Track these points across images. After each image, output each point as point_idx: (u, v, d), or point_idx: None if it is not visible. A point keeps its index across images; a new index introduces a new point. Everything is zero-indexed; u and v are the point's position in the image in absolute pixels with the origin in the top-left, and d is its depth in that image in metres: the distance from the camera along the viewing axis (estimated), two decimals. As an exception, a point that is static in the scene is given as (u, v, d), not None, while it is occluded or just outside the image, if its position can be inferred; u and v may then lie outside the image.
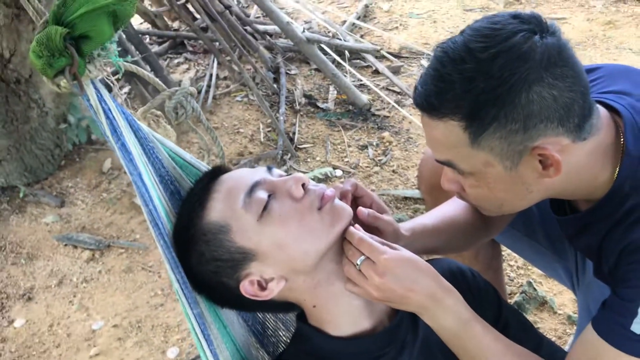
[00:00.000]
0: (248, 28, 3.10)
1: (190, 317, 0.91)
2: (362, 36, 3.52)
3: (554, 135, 0.81)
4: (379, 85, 3.02)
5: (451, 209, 1.21)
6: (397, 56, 3.32)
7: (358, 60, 3.22)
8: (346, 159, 2.51)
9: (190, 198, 0.96)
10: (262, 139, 2.65)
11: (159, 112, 1.14)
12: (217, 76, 3.08)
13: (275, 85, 2.99)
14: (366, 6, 3.83)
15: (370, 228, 0.98)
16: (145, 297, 1.90)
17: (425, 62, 3.25)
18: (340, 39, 3.13)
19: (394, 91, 3.00)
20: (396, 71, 3.15)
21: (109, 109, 0.94)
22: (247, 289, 0.91)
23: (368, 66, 3.21)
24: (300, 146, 2.60)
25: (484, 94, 0.78)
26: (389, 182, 2.37)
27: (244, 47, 3.01)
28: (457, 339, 0.91)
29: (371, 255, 0.87)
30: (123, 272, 1.99)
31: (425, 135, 0.91)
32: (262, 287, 0.91)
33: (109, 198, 2.32)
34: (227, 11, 2.97)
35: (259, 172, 0.95)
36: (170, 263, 0.91)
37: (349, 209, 0.92)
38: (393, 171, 2.43)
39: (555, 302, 1.84)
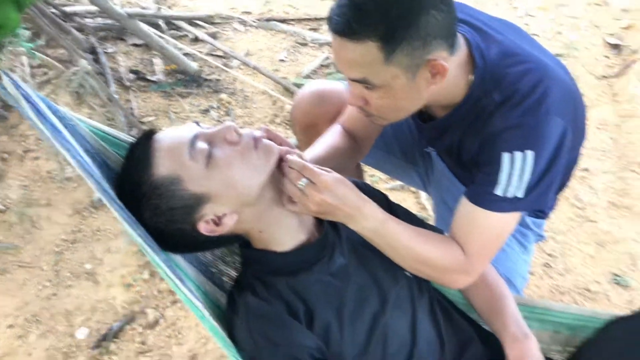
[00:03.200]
0: (55, 11, 2.94)
1: (160, 263, 1.00)
2: (169, 7, 3.53)
3: (441, 50, 1.05)
4: (202, 52, 3.10)
5: (331, 139, 1.42)
6: (211, 23, 3.41)
7: (174, 31, 3.24)
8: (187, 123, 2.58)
9: (132, 160, 1.04)
10: (98, 120, 2.60)
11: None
12: (30, 65, 2.88)
13: (97, 66, 2.90)
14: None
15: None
16: (33, 292, 1.85)
17: (238, 25, 3.39)
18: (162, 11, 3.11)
19: (217, 55, 3.11)
20: (214, 36, 3.25)
21: (28, 95, 0.97)
22: (204, 227, 1.03)
23: (185, 35, 3.26)
24: (143, 120, 2.61)
25: (396, 18, 0.98)
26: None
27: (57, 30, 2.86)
28: (378, 235, 1.13)
29: (312, 177, 1.05)
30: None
31: (338, 58, 1.07)
32: (217, 224, 1.04)
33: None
34: (29, -5, 2.78)
35: (192, 127, 1.06)
36: (128, 222, 0.99)
37: (276, 145, 1.09)
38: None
39: (403, 208, 2.20)
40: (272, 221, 1.10)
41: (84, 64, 1.31)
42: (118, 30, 3.17)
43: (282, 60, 3.11)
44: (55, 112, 1.03)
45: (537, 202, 1.17)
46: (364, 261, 1.18)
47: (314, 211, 1.07)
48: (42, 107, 1.00)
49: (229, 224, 1.05)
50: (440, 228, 1.36)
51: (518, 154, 1.11)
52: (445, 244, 1.20)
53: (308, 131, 1.63)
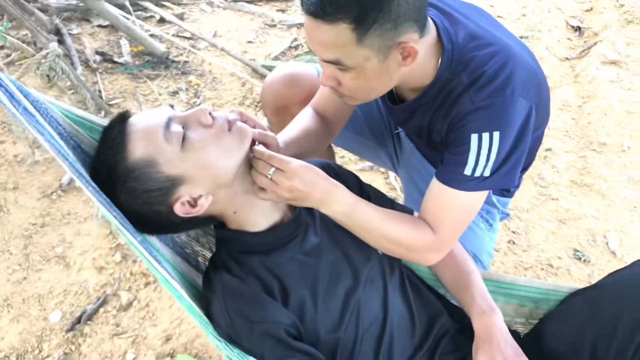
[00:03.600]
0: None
1: (137, 245, 1.01)
2: (134, -13, 3.47)
3: (412, 32, 1.07)
4: (169, 33, 3.07)
5: (304, 121, 1.44)
6: (177, 3, 3.37)
7: (140, 12, 3.20)
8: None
9: (107, 143, 1.04)
10: (68, 102, 2.55)
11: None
12: (-9, 46, 2.82)
13: (62, 47, 2.84)
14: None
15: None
16: (3, 276, 1.83)
17: (205, 6, 3.36)
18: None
19: (185, 37, 3.08)
20: (181, 17, 3.22)
21: (-1, 78, 0.97)
22: (180, 209, 1.05)
23: (151, 16, 3.21)
24: (111, 102, 2.58)
25: (369, 0, 1.00)
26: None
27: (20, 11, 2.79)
28: (349, 218, 1.16)
29: (280, 165, 1.07)
30: (-34, 262, 1.88)
31: (310, 39, 1.08)
32: (193, 205, 1.06)
33: None
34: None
35: (166, 110, 1.07)
36: (104, 205, 1.00)
37: (249, 127, 1.10)
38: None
39: (373, 188, 2.25)
40: (246, 202, 1.12)
41: (54, 46, 1.29)
42: (82, 11, 3.11)
43: (250, 42, 3.10)
44: (27, 96, 1.03)
45: (503, 181, 1.22)
46: (337, 240, 1.22)
47: (285, 198, 1.10)
48: (14, 90, 0.99)
49: (204, 205, 1.06)
50: (410, 208, 1.40)
51: (485, 135, 1.15)
52: (415, 224, 1.25)
53: (279, 113, 1.64)
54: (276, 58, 2.96)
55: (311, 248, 1.17)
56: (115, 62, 2.82)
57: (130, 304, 1.78)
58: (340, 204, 1.15)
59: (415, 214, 1.37)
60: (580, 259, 2.05)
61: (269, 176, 1.07)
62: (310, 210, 1.22)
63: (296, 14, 3.40)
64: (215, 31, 3.14)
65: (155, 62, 2.84)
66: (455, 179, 1.21)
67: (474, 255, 1.53)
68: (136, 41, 2.88)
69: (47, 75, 1.13)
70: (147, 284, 1.83)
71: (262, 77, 2.79)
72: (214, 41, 2.99)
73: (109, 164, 1.03)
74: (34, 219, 2.03)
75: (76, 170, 0.99)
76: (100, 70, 2.76)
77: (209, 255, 1.30)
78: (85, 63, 2.79)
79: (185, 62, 2.88)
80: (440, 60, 1.20)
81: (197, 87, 2.72)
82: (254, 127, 1.21)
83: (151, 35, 2.99)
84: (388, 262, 1.26)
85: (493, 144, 1.16)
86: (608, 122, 2.67)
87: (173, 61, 2.87)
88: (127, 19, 2.98)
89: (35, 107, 1.03)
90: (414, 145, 1.61)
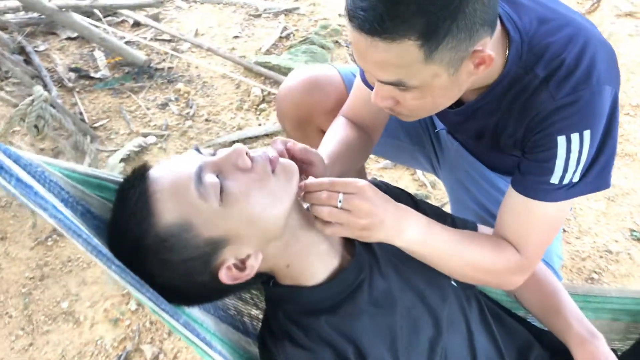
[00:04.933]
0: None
1: (180, 329, 0.84)
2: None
3: (486, 36, 0.89)
4: (146, 37, 2.84)
5: (342, 132, 1.26)
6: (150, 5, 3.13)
7: (110, 17, 2.96)
8: (152, 123, 2.37)
9: (127, 208, 0.86)
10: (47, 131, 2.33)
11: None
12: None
13: (30, 68, 2.61)
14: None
15: (299, 168, 1.02)
16: (6, 345, 1.64)
17: (180, 2, 3.13)
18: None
19: (164, 40, 2.86)
20: (156, 19, 2.99)
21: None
22: (227, 276, 0.87)
23: (123, 21, 2.98)
24: (96, 125, 2.37)
25: (440, 10, 0.81)
26: (207, 132, 2.32)
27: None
28: (425, 245, 1.00)
29: (348, 189, 0.91)
30: (-39, 332, 1.68)
31: (364, 59, 0.91)
32: (240, 269, 0.88)
33: None
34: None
35: (193, 157, 0.88)
36: (134, 285, 0.82)
37: (293, 163, 0.93)
38: (206, 120, 2.38)
39: (401, 187, 2.07)
40: (300, 251, 0.95)
41: (39, 90, 1.10)
42: (47, 24, 2.87)
43: (236, 37, 2.89)
44: (17, 161, 0.84)
45: (596, 183, 1.06)
46: (407, 278, 1.05)
47: (361, 226, 0.92)
48: (1, 158, 0.80)
49: (254, 267, 0.89)
50: (471, 221, 1.23)
51: (574, 136, 0.99)
52: (496, 244, 1.09)
53: (301, 126, 1.46)
54: (268, 52, 2.76)
55: (382, 295, 0.99)
56: (92, 78, 2.60)
57: (156, 359, 1.60)
58: (415, 229, 0.98)
59: (481, 227, 1.21)
60: (638, 239, 1.90)
61: (339, 206, 0.90)
62: (369, 247, 1.04)
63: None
64: (196, 29, 2.92)
65: (137, 73, 2.62)
66: (541, 190, 1.04)
67: (545, 262, 1.37)
68: (112, 51, 2.66)
69: (36, 126, 0.93)
70: (170, 333, 1.65)
71: (257, 75, 2.58)
72: (197, 41, 2.77)
73: (134, 234, 0.85)
74: (31, 271, 1.83)
75: (93, 249, 0.80)
76: (77, 89, 2.54)
77: (255, 312, 1.12)
78: (59, 83, 2.57)
79: (170, 68, 2.67)
80: (507, 53, 1.02)
81: (187, 96, 2.51)
82: (296, 154, 1.04)
83: (127, 43, 2.77)
84: (463, 293, 1.10)
85: (584, 145, 1.00)
86: (637, 81, 2.52)
87: (156, 69, 2.65)
88: (98, 27, 2.74)
89: (30, 174, 0.84)
90: (460, 144, 1.43)
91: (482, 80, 1.05)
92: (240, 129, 2.32)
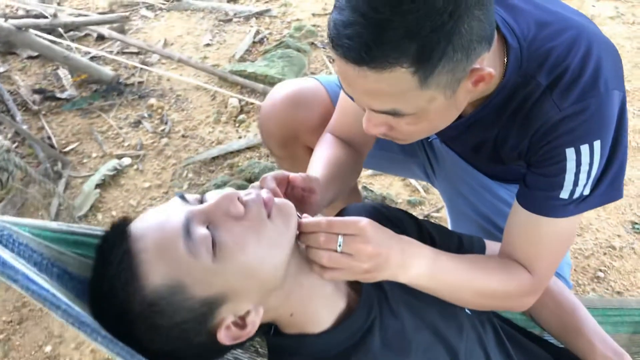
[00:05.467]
0: None
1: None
2: (59, 3, 3.10)
3: (484, 52, 0.82)
4: (112, 52, 2.73)
5: (331, 151, 1.19)
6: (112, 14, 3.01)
7: (73, 32, 2.84)
8: (126, 143, 2.27)
9: (109, 271, 0.78)
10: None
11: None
12: None
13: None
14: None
15: (301, 197, 0.98)
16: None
17: (145, 11, 3.01)
18: (49, 17, 2.69)
19: (132, 53, 2.75)
20: (121, 30, 2.87)
21: None
22: (226, 336, 0.80)
23: (87, 35, 2.86)
24: (65, 149, 2.26)
25: (433, 32, 0.74)
26: (185, 149, 2.23)
27: None
28: (433, 279, 0.93)
29: (348, 230, 0.83)
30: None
31: (353, 89, 0.84)
32: (241, 326, 0.81)
33: None
34: None
35: (178, 207, 0.80)
36: (124, 356, 0.75)
37: (289, 202, 0.85)
38: (183, 136, 2.29)
39: (392, 194, 2.01)
40: (304, 297, 0.87)
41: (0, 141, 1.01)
42: (5, 43, 2.74)
43: (208, 45, 2.79)
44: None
45: (608, 195, 1.01)
46: (420, 315, 0.98)
47: (364, 270, 0.86)
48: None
49: (255, 323, 0.82)
50: (478, 237, 1.18)
51: (584, 147, 0.93)
52: (506, 267, 1.03)
53: (288, 145, 1.39)
54: (242, 59, 2.66)
55: (395, 337, 0.92)
56: (58, 99, 2.48)
57: (150, 401, 1.51)
58: (421, 263, 0.91)
59: (489, 244, 1.16)
60: (641, 232, 1.87)
61: (339, 250, 0.83)
62: (378, 285, 0.97)
63: (250, 0, 3.08)
64: (164, 40, 2.81)
65: (106, 90, 2.51)
66: (550, 206, 0.98)
67: (555, 273, 1.32)
68: (77, 69, 2.54)
69: (0, 181, 0.85)
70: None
71: (233, 84, 2.50)
72: (167, 52, 2.67)
73: (119, 299, 0.77)
74: (8, 315, 1.73)
75: (75, 320, 0.72)
76: (43, 112, 2.43)
77: (257, 360, 1.05)
78: (23, 106, 2.45)
79: (140, 83, 2.56)
80: (505, 61, 0.95)
81: (161, 111, 2.41)
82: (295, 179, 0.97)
83: (93, 59, 2.65)
84: (478, 319, 1.05)
85: (594, 157, 0.94)
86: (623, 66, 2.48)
87: (126, 85, 2.55)
88: (60, 44, 2.62)
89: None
90: (455, 153, 1.37)
91: (479, 92, 0.98)
92: (220, 143, 2.24)
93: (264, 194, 0.83)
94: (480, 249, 1.14)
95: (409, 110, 0.84)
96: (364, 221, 0.85)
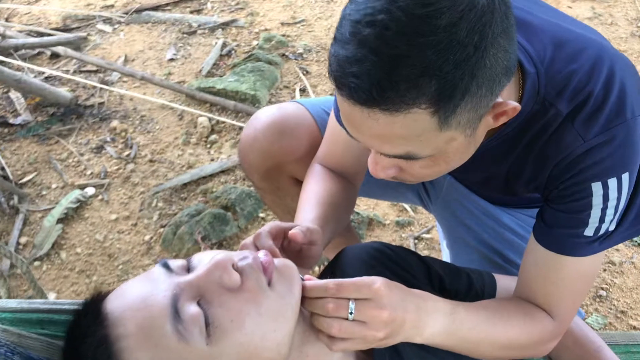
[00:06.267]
0: None
1: None
2: (7, 19, 2.93)
3: (507, 83, 0.74)
4: (68, 71, 2.58)
5: (322, 188, 1.09)
6: (66, 30, 2.86)
7: (24, 51, 2.68)
8: (88, 171, 2.13)
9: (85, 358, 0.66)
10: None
11: None
12: None
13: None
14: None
15: (300, 250, 0.89)
16: None
17: (103, 25, 2.87)
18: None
19: (90, 71, 2.60)
20: (77, 48, 2.72)
21: None
22: None
23: (40, 53, 2.70)
24: (22, 181, 2.11)
25: (456, 67, 0.64)
26: (153, 175, 2.09)
27: None
28: (452, 336, 0.84)
29: (361, 294, 0.74)
30: None
31: (359, 132, 0.74)
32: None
33: None
34: None
35: (161, 279, 0.69)
36: None
37: (290, 262, 0.75)
38: (150, 161, 2.15)
39: (380, 215, 1.91)
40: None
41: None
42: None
43: (172, 60, 2.66)
44: None
45: (636, 227, 0.93)
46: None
47: (379, 339, 0.76)
48: None
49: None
50: (487, 271, 1.09)
51: (612, 181, 0.85)
52: (526, 314, 0.95)
53: (271, 178, 1.28)
54: (210, 74, 2.54)
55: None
56: (11, 125, 2.32)
57: None
58: (437, 321, 0.82)
59: (499, 278, 1.08)
60: None
61: (350, 318, 0.73)
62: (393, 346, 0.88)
63: (214, 11, 2.96)
64: (125, 55, 2.67)
65: (64, 114, 2.36)
66: (574, 244, 0.90)
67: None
68: (30, 91, 2.38)
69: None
70: None
71: (201, 102, 2.37)
72: (128, 70, 2.53)
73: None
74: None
75: None
76: (-5, 140, 2.26)
77: None
78: (-29, 135, 2.28)
79: (101, 104, 2.42)
80: (522, 88, 0.87)
81: (125, 134, 2.27)
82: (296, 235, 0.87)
83: (47, 79, 2.50)
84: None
85: (622, 190, 0.87)
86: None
87: (85, 107, 2.40)
88: (9, 64, 2.46)
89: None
90: (452, 177, 1.28)
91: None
92: (191, 167, 2.11)
93: (262, 256, 0.73)
94: (491, 286, 1.06)
95: (424, 153, 0.75)
96: (378, 282, 0.75)
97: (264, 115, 1.25)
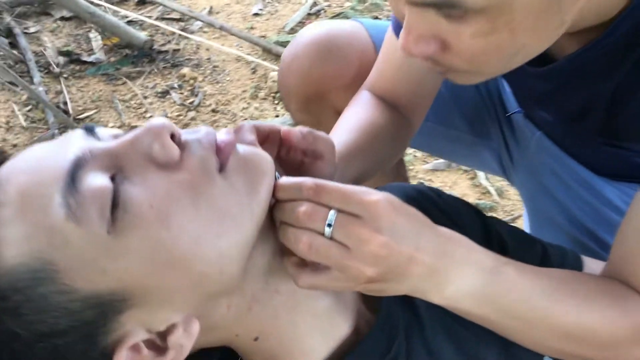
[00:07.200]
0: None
1: None
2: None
3: None
4: (151, 17, 2.52)
5: (363, 114, 0.87)
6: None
7: (113, -6, 2.65)
8: (148, 114, 2.03)
9: None
10: (24, 124, 2.03)
11: None
12: None
13: (15, 52, 2.33)
14: None
15: (301, 164, 0.65)
16: None
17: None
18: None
19: (172, 19, 2.53)
20: (166, -5, 2.66)
21: None
22: None
23: (127, -1, 2.67)
24: (80, 116, 2.05)
25: None
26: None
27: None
28: (489, 303, 0.59)
29: (349, 205, 0.50)
30: None
31: None
32: (159, 348, 0.50)
33: None
34: None
35: (73, 142, 0.50)
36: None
37: (266, 154, 0.54)
38: (213, 111, 2.03)
39: (457, 195, 1.65)
40: (279, 313, 0.56)
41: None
42: (42, 4, 2.59)
43: (257, 15, 2.52)
44: None
45: None
46: (469, 353, 0.65)
47: (366, 279, 0.52)
48: None
49: (185, 344, 0.50)
50: (572, 250, 0.83)
51: None
52: (616, 298, 0.67)
53: (311, 106, 1.07)
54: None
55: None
56: (84, 62, 2.28)
57: None
58: (469, 277, 0.57)
59: (587, 261, 0.81)
60: None
61: (327, 233, 0.50)
62: (408, 303, 0.64)
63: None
64: (210, 7, 2.57)
65: (136, 56, 2.29)
66: None
67: None
68: (109, 32, 2.34)
69: None
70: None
71: (277, 57, 2.21)
72: (209, 19, 2.42)
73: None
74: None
75: None
76: (65, 75, 2.23)
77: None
78: (46, 68, 2.26)
79: (176, 51, 2.33)
80: None
81: (193, 82, 2.16)
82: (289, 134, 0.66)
83: (129, 23, 2.45)
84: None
85: None
86: None
87: (159, 52, 2.32)
88: (97, 5, 2.43)
89: None
90: (544, 134, 1.01)
91: (590, 15, 0.63)
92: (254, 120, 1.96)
93: (222, 135, 0.52)
94: (575, 268, 0.79)
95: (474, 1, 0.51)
96: (377, 195, 0.52)
97: (309, 31, 1.05)
